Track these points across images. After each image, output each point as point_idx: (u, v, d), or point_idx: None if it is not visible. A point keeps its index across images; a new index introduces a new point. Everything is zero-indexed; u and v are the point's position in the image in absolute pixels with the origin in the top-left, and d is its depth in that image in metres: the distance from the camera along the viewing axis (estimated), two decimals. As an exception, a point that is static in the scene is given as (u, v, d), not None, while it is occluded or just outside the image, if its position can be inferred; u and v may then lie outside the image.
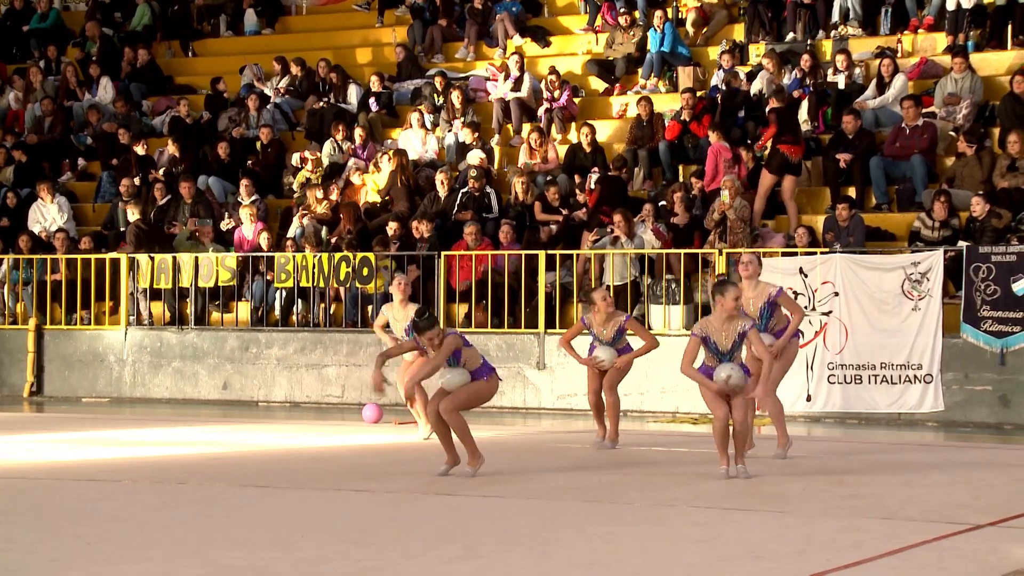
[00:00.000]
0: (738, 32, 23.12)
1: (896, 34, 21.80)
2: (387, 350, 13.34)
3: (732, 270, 17.50)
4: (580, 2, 25.21)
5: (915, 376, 16.56)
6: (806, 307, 16.93)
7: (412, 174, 21.36)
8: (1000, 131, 19.04)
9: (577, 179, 20.48)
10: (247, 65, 25.52)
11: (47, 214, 22.57)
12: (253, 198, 21.45)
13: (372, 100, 23.59)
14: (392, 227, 19.78)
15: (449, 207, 20.33)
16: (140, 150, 23.28)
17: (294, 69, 24.77)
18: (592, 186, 19.89)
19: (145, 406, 19.63)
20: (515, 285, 18.65)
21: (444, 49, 25.10)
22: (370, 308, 19.46)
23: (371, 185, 21.60)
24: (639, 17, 23.70)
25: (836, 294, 16.84)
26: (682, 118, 20.94)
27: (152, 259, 20.27)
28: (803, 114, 20.45)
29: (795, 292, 16.96)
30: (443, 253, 18.97)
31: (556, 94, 22.36)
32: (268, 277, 19.88)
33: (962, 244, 16.96)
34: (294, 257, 19.61)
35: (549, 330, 18.15)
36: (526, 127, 22.21)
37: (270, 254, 19.99)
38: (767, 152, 19.41)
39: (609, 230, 18.49)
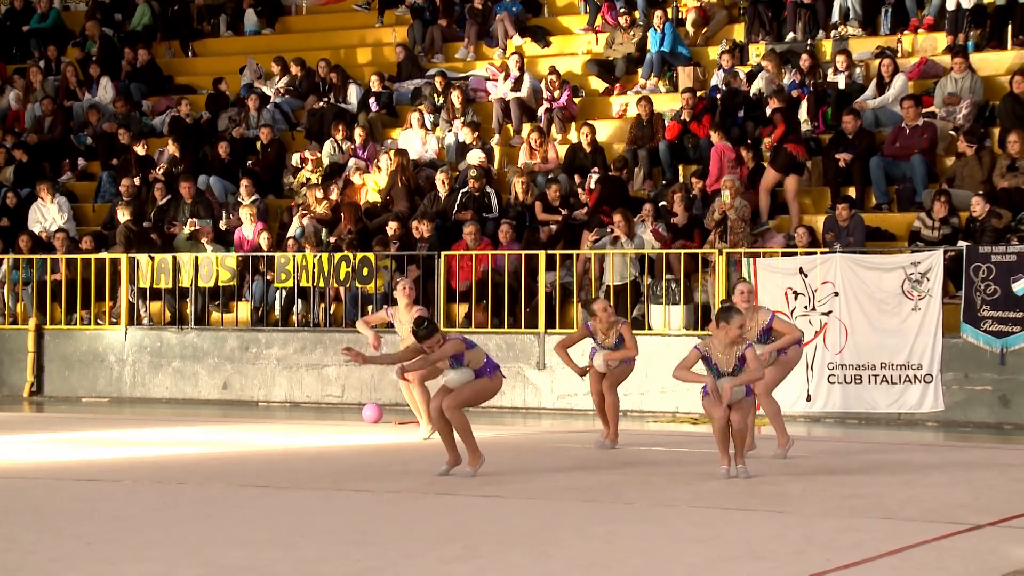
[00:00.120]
0: (738, 32, 23.13)
1: (896, 34, 21.80)
2: (368, 317, 14.40)
3: (732, 270, 17.53)
4: (580, 2, 25.21)
5: (915, 376, 16.56)
6: (806, 307, 16.95)
7: (412, 174, 21.36)
8: (1000, 131, 19.05)
9: (577, 179, 20.48)
10: (248, 60, 25.53)
11: (47, 214, 22.57)
12: (253, 198, 21.45)
13: (372, 100, 23.59)
14: (392, 227, 19.78)
15: (449, 207, 20.34)
16: (140, 150, 23.28)
17: (294, 69, 24.77)
18: (592, 186, 19.89)
19: (145, 406, 19.63)
20: (515, 285, 18.65)
21: (444, 49, 25.10)
22: (370, 308, 19.45)
23: (371, 185, 21.60)
24: (639, 17, 23.70)
25: (836, 294, 16.84)
26: (682, 118, 20.95)
27: (152, 259, 20.27)
28: (803, 114, 20.46)
29: (795, 292, 16.99)
30: (443, 253, 18.97)
31: (556, 94, 22.36)
32: (268, 277, 19.89)
33: (962, 244, 16.96)
34: (294, 257, 19.61)
35: (549, 330, 18.15)
36: (526, 127, 22.21)
37: (270, 254, 19.99)
38: (771, 151, 19.43)
39: (609, 230, 18.49)
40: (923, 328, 16.53)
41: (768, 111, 20.44)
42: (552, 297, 18.31)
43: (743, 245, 17.94)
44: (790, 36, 22.39)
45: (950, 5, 21.37)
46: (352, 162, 22.05)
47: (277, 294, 19.81)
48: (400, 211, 20.52)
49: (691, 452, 13.36)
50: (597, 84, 23.35)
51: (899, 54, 21.26)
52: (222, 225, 21.33)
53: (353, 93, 24.03)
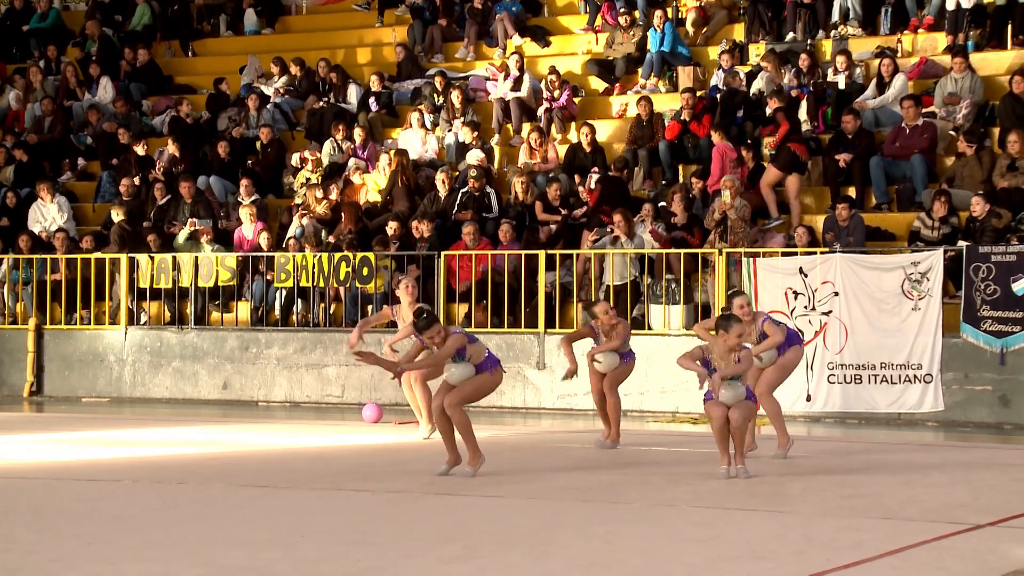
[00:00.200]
0: (738, 32, 23.13)
1: (896, 34, 21.80)
2: (368, 319, 14.31)
3: (732, 270, 17.53)
4: (580, 2, 25.21)
5: (915, 376, 16.56)
6: (806, 307, 16.95)
7: (412, 174, 21.36)
8: (1000, 131, 19.05)
9: (577, 179, 20.48)
10: (249, 59, 25.54)
11: (47, 214, 22.57)
12: (253, 198, 21.45)
13: (372, 100, 23.59)
14: (392, 227, 19.78)
15: (449, 207, 20.33)
16: (140, 150, 23.28)
17: (293, 69, 24.77)
18: (592, 186, 19.89)
19: (145, 406, 19.63)
20: (515, 285, 18.65)
21: (444, 49, 25.10)
22: (370, 308, 19.46)
23: (371, 185, 21.60)
24: (639, 17, 23.70)
25: (836, 294, 16.84)
26: (682, 118, 20.95)
27: (152, 259, 20.28)
28: (802, 114, 20.46)
29: (795, 292, 16.99)
30: (443, 253, 18.97)
31: (556, 94, 22.36)
32: (268, 277, 19.89)
33: (962, 244, 16.96)
34: (294, 257, 19.61)
35: (549, 330, 18.15)
36: (526, 127, 22.21)
37: (270, 254, 19.99)
38: (774, 149, 19.44)
39: (609, 230, 18.49)
40: (923, 328, 16.53)
41: (768, 111, 20.45)
42: (552, 297, 18.31)
43: (743, 245, 17.95)
44: (790, 36, 22.40)
45: (950, 5, 21.37)
46: (352, 162, 22.05)
47: (277, 294, 19.81)
48: (400, 211, 20.52)
49: (691, 452, 13.36)
50: (597, 84, 23.35)
51: (899, 54, 21.27)
52: (221, 225, 21.33)
53: (353, 93, 24.03)
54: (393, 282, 18.95)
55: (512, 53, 23.48)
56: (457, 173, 21.33)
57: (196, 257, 20.14)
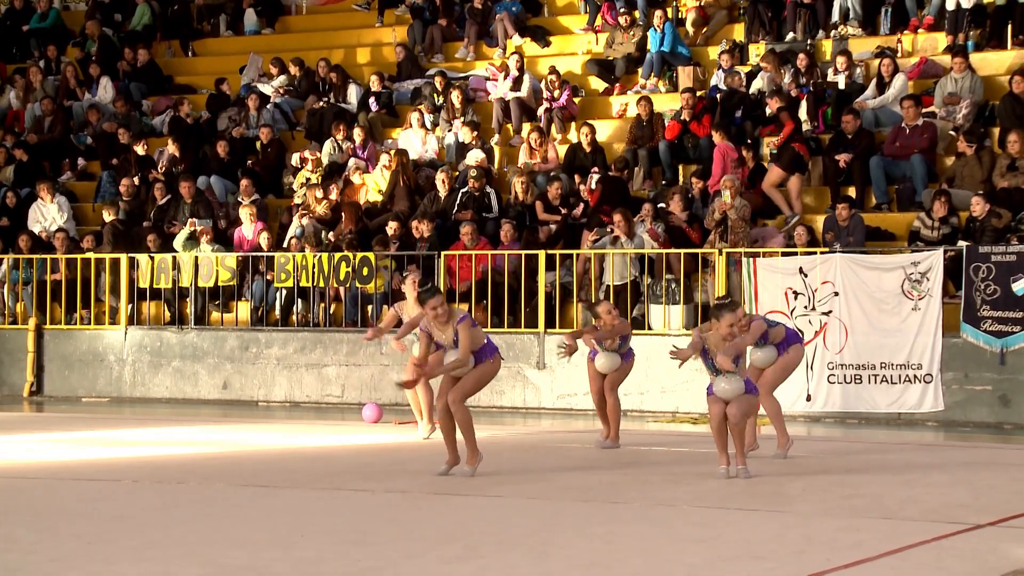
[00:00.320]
0: (738, 32, 23.13)
1: (896, 34, 21.80)
2: (379, 327, 14.45)
3: (732, 270, 17.53)
4: (580, 2, 25.21)
5: (915, 376, 16.56)
6: (806, 307, 16.95)
7: (412, 174, 21.36)
8: (1000, 131, 19.05)
9: (577, 179, 20.48)
10: (251, 57, 25.54)
11: (47, 214, 22.57)
12: (253, 198, 21.45)
13: (372, 100, 23.59)
14: (392, 227, 19.78)
15: (449, 207, 20.33)
16: (140, 150, 23.28)
17: (292, 69, 24.77)
18: (593, 186, 19.89)
19: (145, 406, 19.63)
20: (515, 285, 18.65)
21: (444, 49, 25.10)
22: (370, 308, 19.47)
23: (371, 185, 21.60)
24: (639, 17, 23.70)
25: (836, 294, 16.84)
26: (682, 118, 20.95)
27: (152, 259, 20.28)
28: (802, 114, 20.46)
29: (795, 292, 16.99)
30: (443, 253, 18.97)
31: (556, 94, 22.36)
32: (268, 277, 19.89)
33: (962, 244, 16.96)
34: (294, 257, 19.62)
35: (549, 330, 18.15)
36: (526, 127, 22.21)
37: (270, 254, 19.99)
38: (777, 149, 19.45)
39: (609, 230, 18.49)
40: (923, 328, 16.53)
41: (769, 111, 20.45)
42: (552, 297, 18.31)
43: (743, 245, 17.95)
44: (790, 36, 22.39)
45: (950, 5, 21.37)
46: (352, 162, 22.05)
47: (277, 294, 19.81)
48: (400, 211, 20.52)
49: (691, 452, 13.36)
50: (597, 84, 23.35)
51: (899, 54, 21.27)
52: (221, 225, 21.33)
53: (353, 93, 24.02)
54: (394, 282, 18.96)
55: (512, 53, 23.48)
56: (457, 173, 21.33)
57: (196, 257, 20.14)
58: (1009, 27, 21.10)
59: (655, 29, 22.70)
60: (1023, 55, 20.73)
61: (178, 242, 20.51)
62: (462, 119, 22.31)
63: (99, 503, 10.02)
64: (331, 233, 20.41)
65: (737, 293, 17.00)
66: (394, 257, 19.32)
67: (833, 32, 22.17)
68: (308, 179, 21.74)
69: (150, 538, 8.48)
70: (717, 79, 21.76)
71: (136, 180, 22.65)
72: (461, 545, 8.24)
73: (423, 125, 22.53)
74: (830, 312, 16.86)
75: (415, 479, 11.25)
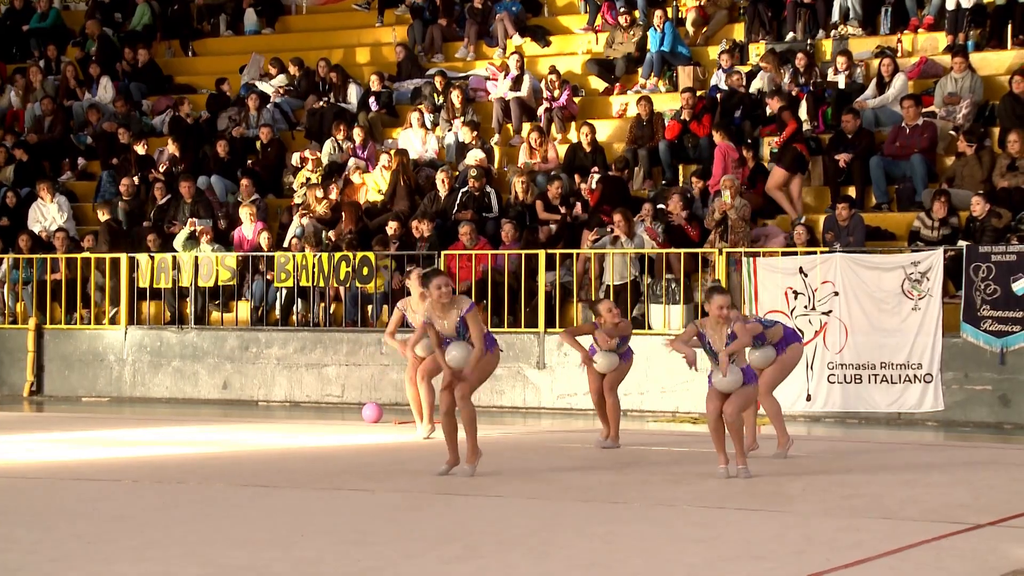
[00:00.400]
0: (738, 32, 23.13)
1: (896, 34, 21.81)
2: (391, 330, 14.24)
3: (732, 270, 17.53)
4: (580, 2, 25.20)
5: (915, 376, 16.56)
6: (806, 307, 16.95)
7: (412, 174, 21.37)
8: (1000, 131, 19.05)
9: (577, 179, 20.48)
10: (253, 57, 25.54)
11: (47, 213, 22.57)
12: (253, 198, 21.46)
13: (372, 100, 23.59)
14: (392, 227, 19.78)
15: (449, 207, 20.33)
16: (140, 150, 23.28)
17: (292, 69, 24.77)
18: (593, 186, 19.90)
19: (145, 406, 19.63)
20: (515, 285, 18.65)
21: (444, 49, 25.10)
22: (370, 308, 19.48)
23: (371, 185, 21.61)
24: (639, 17, 23.69)
25: (836, 294, 16.84)
26: (682, 118, 20.95)
27: (152, 259, 20.28)
28: (802, 113, 20.47)
29: (795, 292, 16.99)
30: (443, 253, 18.97)
31: (556, 94, 22.36)
32: (268, 277, 19.89)
33: (962, 244, 16.96)
34: (294, 257, 19.62)
35: (549, 330, 18.14)
36: (526, 127, 22.21)
37: (270, 254, 19.99)
38: (779, 148, 19.45)
39: (609, 229, 18.49)
40: (923, 328, 16.53)
41: (769, 111, 20.45)
42: (552, 297, 18.31)
43: (743, 245, 17.95)
44: (790, 36, 22.39)
45: (950, 5, 21.37)
46: (352, 162, 22.05)
47: (277, 294, 19.81)
48: (400, 211, 20.52)
49: (691, 452, 13.36)
50: (597, 84, 23.35)
51: (899, 54, 21.27)
52: (221, 226, 21.33)
53: (353, 93, 24.03)
54: (394, 282, 18.97)
55: (512, 53, 23.48)
56: (457, 173, 21.33)
57: (196, 257, 20.14)
58: (1009, 27, 21.10)
59: (655, 29, 22.70)
60: (1023, 55, 20.73)
61: (178, 242, 20.51)
62: (462, 119, 22.32)
63: (99, 503, 10.02)
64: (331, 233, 20.41)
65: (737, 293, 17.00)
66: (394, 257, 19.32)
67: (833, 32, 22.17)
68: (308, 179, 21.74)
69: (150, 538, 8.48)
70: (717, 79, 21.76)
71: (136, 180, 22.65)
72: (461, 545, 8.24)
73: (423, 125, 22.54)
74: (830, 312, 16.86)
75: (415, 479, 11.25)
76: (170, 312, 20.39)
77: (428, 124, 22.64)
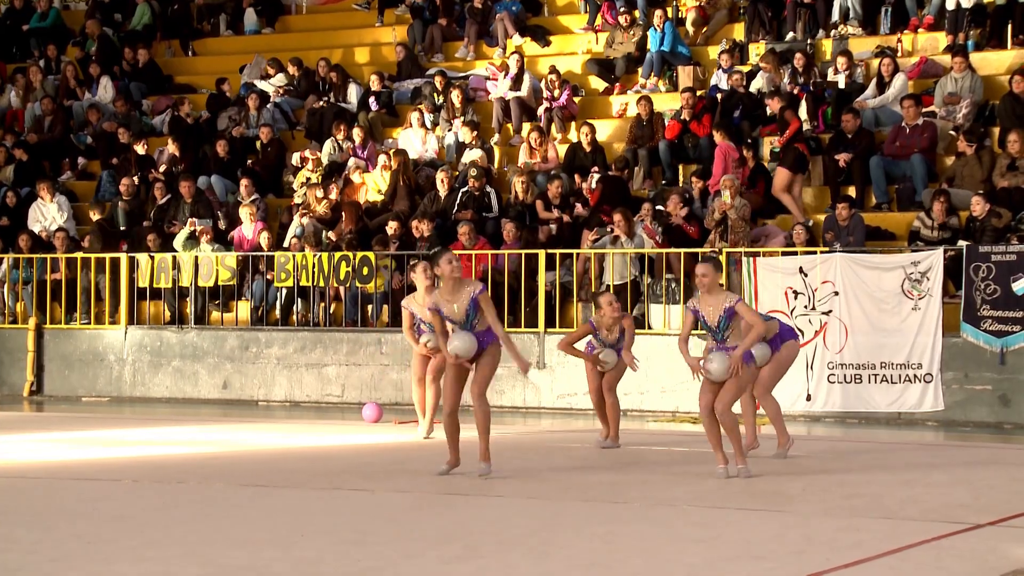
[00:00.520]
0: (738, 31, 23.13)
1: (896, 33, 21.80)
2: (407, 328, 14.08)
3: (732, 269, 17.54)
4: (580, 1, 25.20)
5: (915, 375, 16.56)
6: (806, 306, 16.94)
7: (412, 174, 21.37)
8: (1000, 130, 19.05)
9: (577, 179, 20.48)
10: (255, 58, 25.54)
11: (47, 213, 22.57)
12: (253, 197, 21.46)
13: (372, 99, 23.59)
14: (392, 226, 19.78)
15: (449, 206, 20.33)
16: (140, 149, 23.29)
17: (291, 69, 24.77)
18: (593, 186, 19.90)
19: (145, 405, 19.63)
20: (515, 285, 18.65)
21: (444, 48, 25.10)
22: (370, 308, 19.48)
23: (371, 184, 21.61)
24: (639, 16, 23.69)
25: (836, 293, 16.84)
26: (682, 117, 20.95)
27: (152, 258, 20.29)
28: (802, 113, 20.46)
29: (795, 291, 16.99)
30: (443, 252, 18.94)
31: (556, 93, 22.36)
32: (268, 276, 19.89)
33: (962, 243, 16.96)
34: (294, 256, 19.62)
35: (549, 329, 18.14)
36: (526, 126, 22.21)
37: (270, 253, 19.99)
38: (781, 148, 19.46)
39: (609, 229, 18.49)
40: (923, 328, 16.53)
41: (768, 111, 20.45)
42: (552, 297, 18.31)
43: (743, 245, 17.95)
44: (790, 36, 22.39)
45: (950, 5, 21.37)
46: (352, 161, 22.05)
47: (277, 293, 19.81)
48: (400, 211, 20.52)
49: (691, 452, 13.35)
50: (597, 83, 23.34)
51: (899, 53, 21.26)
52: (222, 226, 21.34)
53: (353, 92, 24.02)
54: (394, 282, 18.96)
55: (512, 53, 23.47)
56: (457, 173, 21.32)
57: (196, 257, 20.14)
58: (1009, 27, 21.09)
59: (655, 29, 22.70)
60: (1023, 55, 20.73)
61: (178, 242, 20.51)
62: (462, 119, 22.32)
63: (99, 503, 10.02)
64: (331, 233, 20.41)
65: (737, 293, 16.98)
66: (394, 257, 19.32)
67: (833, 32, 22.16)
68: (308, 179, 21.74)
69: (150, 538, 8.48)
70: (717, 79, 21.76)
71: (136, 180, 22.65)
72: (461, 545, 8.24)
73: (423, 125, 22.53)
74: (830, 312, 16.86)
75: (415, 479, 11.25)
76: (170, 312, 20.39)
77: (428, 124, 22.64)
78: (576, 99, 22.70)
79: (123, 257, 20.39)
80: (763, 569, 7.56)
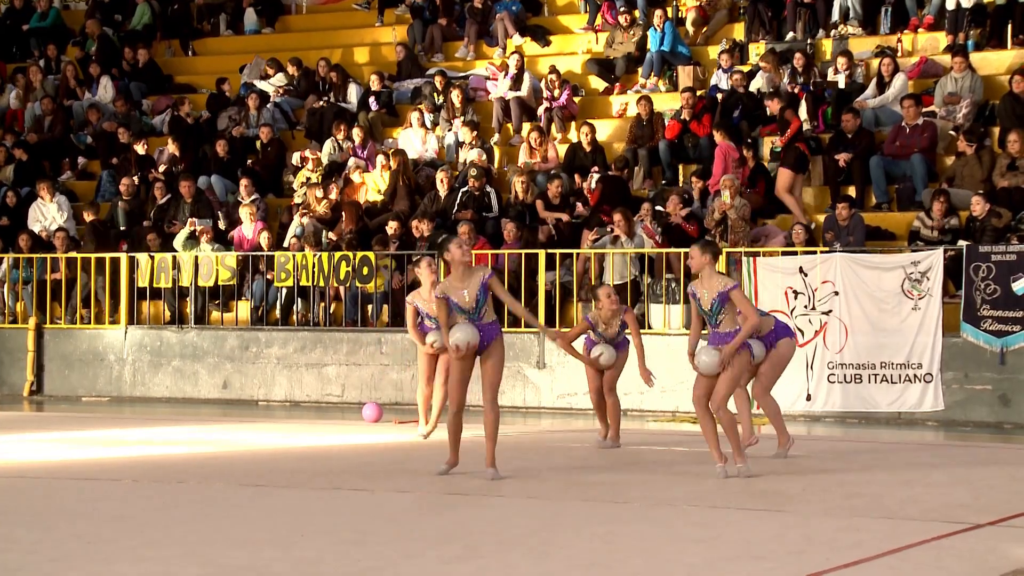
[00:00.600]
0: (738, 31, 23.12)
1: (896, 33, 21.80)
2: (411, 326, 13.92)
3: (732, 269, 17.53)
4: (580, 1, 25.20)
5: (915, 375, 16.56)
6: (806, 306, 16.93)
7: (412, 174, 21.37)
8: (1000, 130, 19.05)
9: (577, 178, 20.48)
10: (255, 59, 25.54)
11: (47, 213, 22.57)
12: (253, 197, 21.46)
13: (372, 99, 23.59)
14: (392, 226, 19.78)
15: (449, 206, 20.33)
16: (140, 149, 23.29)
17: (290, 69, 24.77)
18: (593, 186, 19.90)
19: (145, 405, 19.63)
20: (515, 284, 18.65)
21: (444, 48, 25.09)
22: (370, 308, 19.47)
23: (371, 184, 21.61)
24: (639, 16, 23.69)
25: (836, 293, 16.84)
26: (682, 117, 20.95)
27: (152, 258, 20.29)
28: (802, 113, 20.46)
29: (795, 291, 16.98)
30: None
31: (556, 93, 22.36)
32: (268, 276, 19.89)
33: (962, 243, 16.96)
34: (294, 256, 19.62)
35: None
36: (526, 126, 22.21)
37: (270, 253, 19.99)
38: (783, 148, 19.45)
39: (609, 229, 18.50)
40: (923, 327, 16.53)
41: (768, 111, 20.45)
42: (552, 296, 18.31)
43: (743, 245, 17.95)
44: (790, 36, 22.39)
45: (950, 4, 21.36)
46: (352, 161, 22.05)
47: (277, 293, 19.81)
48: (400, 210, 20.52)
49: (691, 452, 13.35)
50: (597, 83, 23.34)
51: (899, 53, 21.26)
52: (222, 226, 21.34)
53: (353, 92, 24.02)
54: (394, 281, 18.96)
55: (512, 52, 23.47)
56: (457, 173, 21.33)
57: (196, 257, 20.14)
58: (1009, 27, 21.09)
59: (655, 28, 22.70)
60: (1023, 55, 20.73)
61: (178, 242, 20.52)
62: (462, 119, 22.31)
63: (99, 503, 10.02)
64: (331, 233, 20.41)
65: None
66: (394, 257, 19.32)
67: (833, 31, 22.16)
68: (308, 178, 21.74)
69: (150, 538, 8.48)
70: (717, 79, 21.76)
71: (136, 180, 22.65)
72: (461, 545, 8.24)
73: (423, 125, 22.53)
74: (830, 312, 16.86)
75: (415, 479, 11.25)
76: (170, 312, 20.39)
77: (428, 124, 22.64)
78: (576, 99, 22.70)
79: (123, 257, 20.39)
80: (763, 569, 7.56)
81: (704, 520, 9.21)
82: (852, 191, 19.05)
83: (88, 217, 21.64)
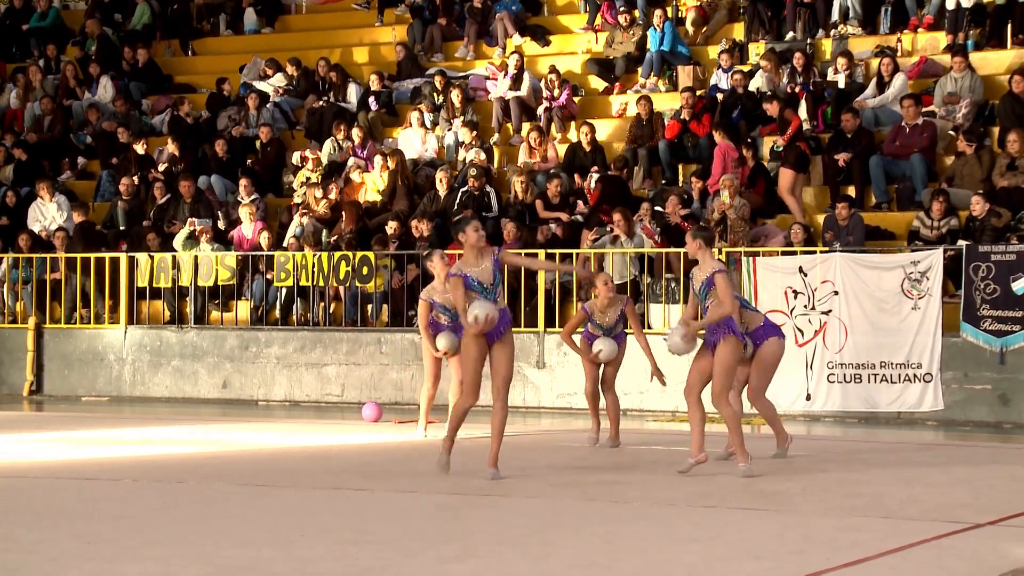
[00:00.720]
0: (738, 31, 23.13)
1: (896, 33, 21.81)
2: (422, 323, 13.80)
3: (732, 269, 17.53)
4: (580, 1, 25.20)
5: (915, 375, 16.56)
6: (806, 306, 16.93)
7: (411, 174, 21.37)
8: (1000, 130, 19.05)
9: (577, 178, 20.48)
10: (254, 59, 25.54)
11: (47, 213, 22.58)
12: (253, 197, 21.46)
13: (372, 99, 23.59)
14: (392, 226, 19.78)
15: (449, 206, 20.33)
16: (140, 149, 23.29)
17: (290, 69, 24.77)
18: (593, 186, 19.90)
19: (145, 405, 19.63)
20: (515, 284, 18.65)
21: (444, 48, 25.10)
22: (370, 307, 19.48)
23: (371, 184, 21.61)
24: (639, 16, 23.69)
25: (836, 293, 16.84)
26: (682, 117, 20.95)
27: (152, 258, 20.29)
28: (802, 113, 20.46)
29: (795, 291, 16.98)
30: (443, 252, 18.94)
31: (556, 93, 22.36)
32: (268, 276, 19.89)
33: (962, 243, 16.96)
34: (294, 256, 19.62)
35: (549, 329, 18.15)
36: (526, 126, 22.21)
37: (270, 253, 19.99)
38: (784, 148, 19.45)
39: (609, 229, 18.50)
40: (923, 327, 16.53)
41: (768, 110, 20.44)
42: (552, 296, 18.31)
43: (743, 244, 17.95)
44: (790, 35, 22.39)
45: (950, 4, 21.37)
46: (352, 161, 22.05)
47: (277, 293, 19.81)
48: (400, 210, 20.52)
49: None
50: (597, 83, 23.34)
51: (899, 53, 21.27)
52: (222, 226, 21.34)
53: (353, 92, 24.03)
54: (394, 281, 18.96)
55: (512, 52, 23.47)
56: (457, 172, 21.33)
57: (196, 256, 20.15)
58: (1009, 26, 21.10)
59: (655, 28, 22.70)
60: (1023, 54, 20.73)
61: (178, 241, 20.51)
62: (462, 118, 22.31)
63: (99, 503, 10.02)
64: (331, 232, 20.41)
65: (737, 293, 16.97)
66: (394, 256, 19.32)
67: (833, 31, 22.17)
68: (308, 178, 21.75)
69: (150, 538, 8.48)
70: (717, 79, 21.76)
71: (136, 179, 22.66)
72: (460, 545, 8.24)
73: (423, 124, 22.54)
74: (830, 311, 16.86)
75: (415, 479, 11.25)
76: (170, 312, 20.39)
77: (428, 124, 22.64)
78: (576, 99, 22.70)
79: (123, 257, 20.39)
80: (763, 569, 7.56)
81: (704, 520, 9.21)
82: (852, 191, 19.06)
83: (78, 218, 21.62)
